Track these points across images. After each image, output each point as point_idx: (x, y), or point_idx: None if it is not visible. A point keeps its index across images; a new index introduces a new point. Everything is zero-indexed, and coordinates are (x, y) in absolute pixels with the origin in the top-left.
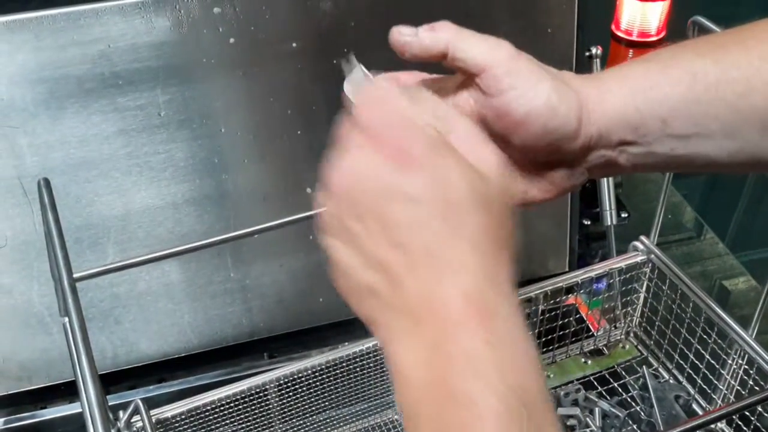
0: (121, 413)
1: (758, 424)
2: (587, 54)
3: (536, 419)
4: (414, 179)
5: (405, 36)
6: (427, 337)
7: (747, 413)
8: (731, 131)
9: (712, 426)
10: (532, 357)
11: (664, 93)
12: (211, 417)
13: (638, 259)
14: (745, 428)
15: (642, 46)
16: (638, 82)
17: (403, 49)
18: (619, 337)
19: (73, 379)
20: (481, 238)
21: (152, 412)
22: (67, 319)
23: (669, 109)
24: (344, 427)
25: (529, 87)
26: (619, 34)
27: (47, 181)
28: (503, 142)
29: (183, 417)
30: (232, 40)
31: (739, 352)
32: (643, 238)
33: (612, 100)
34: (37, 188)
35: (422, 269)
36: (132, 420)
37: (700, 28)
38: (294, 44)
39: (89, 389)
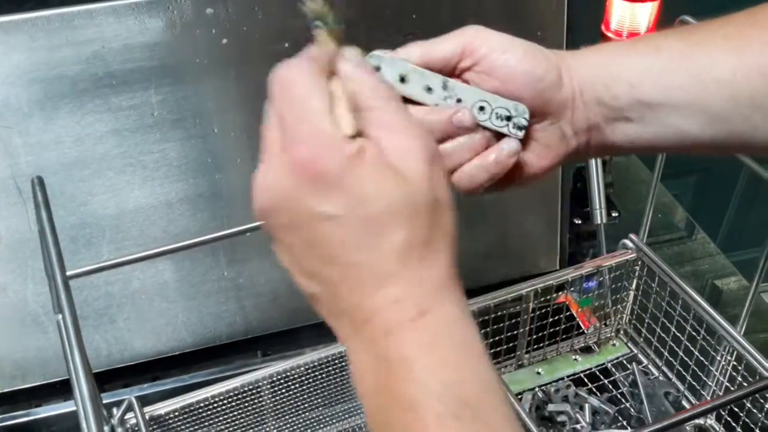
0: (114, 410)
1: (747, 420)
2: None
3: (482, 412)
4: (331, 199)
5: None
6: (366, 344)
7: (736, 409)
8: (698, 103)
9: (703, 422)
10: (475, 351)
11: (631, 60)
12: (204, 414)
13: (628, 257)
14: (734, 424)
15: None
16: (609, 52)
17: None
18: (609, 335)
19: (68, 377)
20: (405, 247)
21: (146, 409)
22: (60, 316)
23: (635, 74)
24: (336, 424)
25: (505, 46)
26: (609, 34)
27: (41, 179)
28: None
29: (176, 414)
30: (224, 41)
31: (727, 348)
32: (632, 236)
33: (585, 62)
34: (30, 187)
35: (353, 281)
36: (125, 417)
37: None
38: (286, 44)
39: (82, 385)
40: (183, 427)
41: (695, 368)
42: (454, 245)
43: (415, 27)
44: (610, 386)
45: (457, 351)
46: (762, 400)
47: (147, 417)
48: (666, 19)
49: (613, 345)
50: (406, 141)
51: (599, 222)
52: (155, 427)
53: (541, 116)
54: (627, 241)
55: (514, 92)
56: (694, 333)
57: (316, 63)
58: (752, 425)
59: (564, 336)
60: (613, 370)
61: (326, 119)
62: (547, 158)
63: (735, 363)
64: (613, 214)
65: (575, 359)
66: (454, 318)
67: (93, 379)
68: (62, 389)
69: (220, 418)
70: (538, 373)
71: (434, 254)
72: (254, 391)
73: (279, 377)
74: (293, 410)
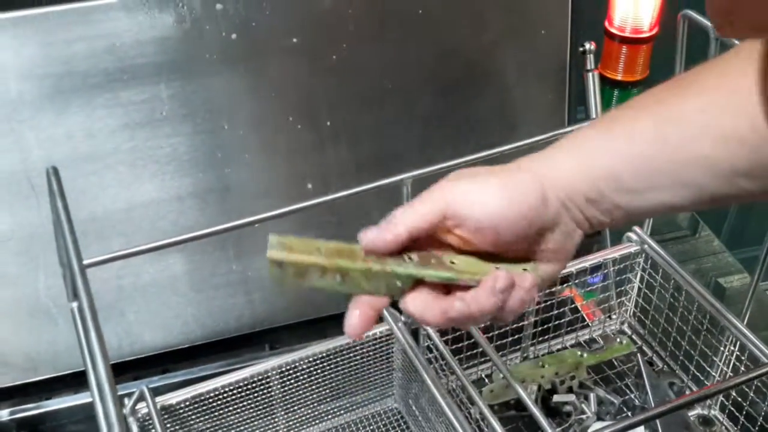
0: (126, 400)
1: (750, 409)
2: (581, 50)
3: None
4: None
5: (370, 236)
6: None
7: (739, 399)
8: (681, 181)
9: (707, 413)
10: None
11: (607, 157)
12: (215, 404)
13: (632, 249)
14: (737, 414)
15: (635, 42)
16: (583, 152)
17: (372, 246)
18: (613, 328)
19: (79, 369)
20: None
21: (157, 399)
22: (76, 303)
23: (614, 171)
24: (345, 416)
25: (484, 198)
26: (613, 30)
27: (56, 170)
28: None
29: (187, 404)
30: (234, 36)
31: (731, 339)
32: (636, 228)
33: (562, 173)
34: (46, 179)
35: None
36: (137, 407)
37: (690, 21)
38: (295, 39)
39: (99, 369)
40: (194, 417)
41: (699, 359)
42: None
43: (418, 17)
44: (615, 377)
45: None
46: (766, 390)
47: (158, 407)
48: (670, 14)
49: (620, 343)
50: None
51: None
52: (166, 416)
53: (539, 237)
54: (631, 234)
55: (505, 238)
56: (697, 324)
57: None
58: (755, 415)
59: (569, 329)
60: (618, 361)
61: None
62: (559, 259)
63: (738, 353)
64: None
65: (581, 355)
66: None
67: (109, 363)
68: (73, 382)
69: (231, 409)
70: (542, 366)
71: None
72: (263, 382)
73: (288, 368)
74: (302, 401)
